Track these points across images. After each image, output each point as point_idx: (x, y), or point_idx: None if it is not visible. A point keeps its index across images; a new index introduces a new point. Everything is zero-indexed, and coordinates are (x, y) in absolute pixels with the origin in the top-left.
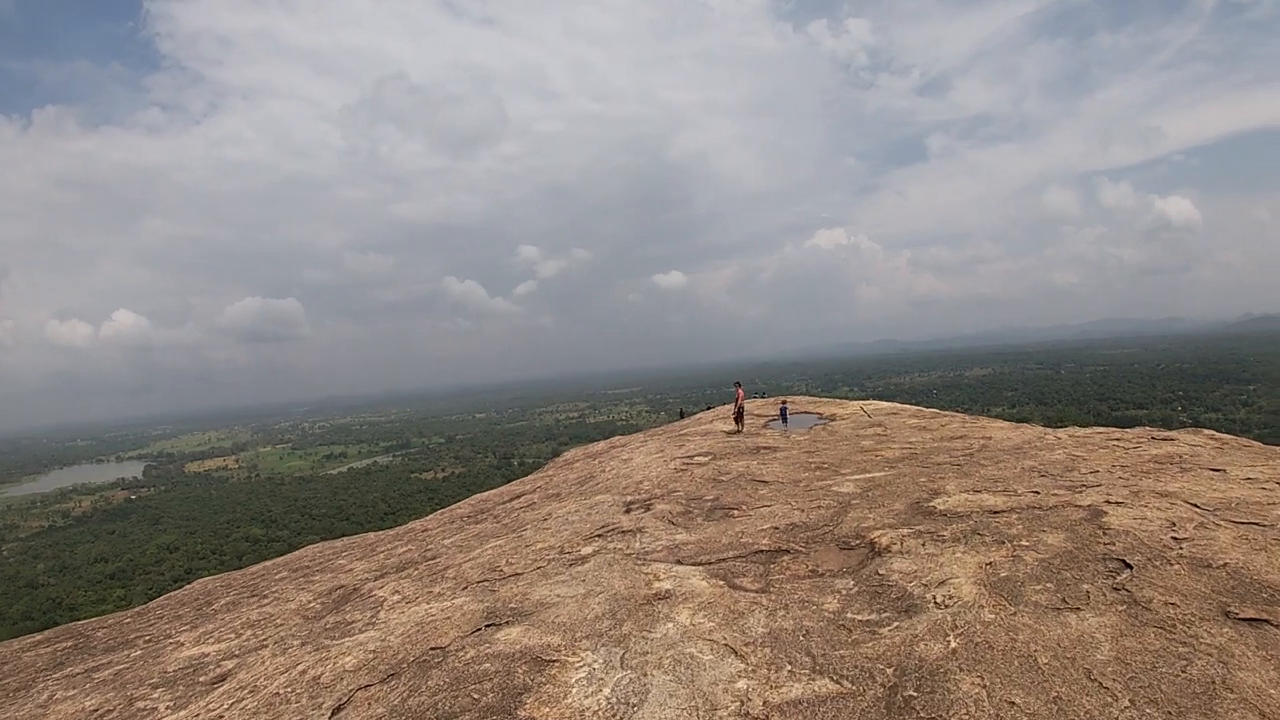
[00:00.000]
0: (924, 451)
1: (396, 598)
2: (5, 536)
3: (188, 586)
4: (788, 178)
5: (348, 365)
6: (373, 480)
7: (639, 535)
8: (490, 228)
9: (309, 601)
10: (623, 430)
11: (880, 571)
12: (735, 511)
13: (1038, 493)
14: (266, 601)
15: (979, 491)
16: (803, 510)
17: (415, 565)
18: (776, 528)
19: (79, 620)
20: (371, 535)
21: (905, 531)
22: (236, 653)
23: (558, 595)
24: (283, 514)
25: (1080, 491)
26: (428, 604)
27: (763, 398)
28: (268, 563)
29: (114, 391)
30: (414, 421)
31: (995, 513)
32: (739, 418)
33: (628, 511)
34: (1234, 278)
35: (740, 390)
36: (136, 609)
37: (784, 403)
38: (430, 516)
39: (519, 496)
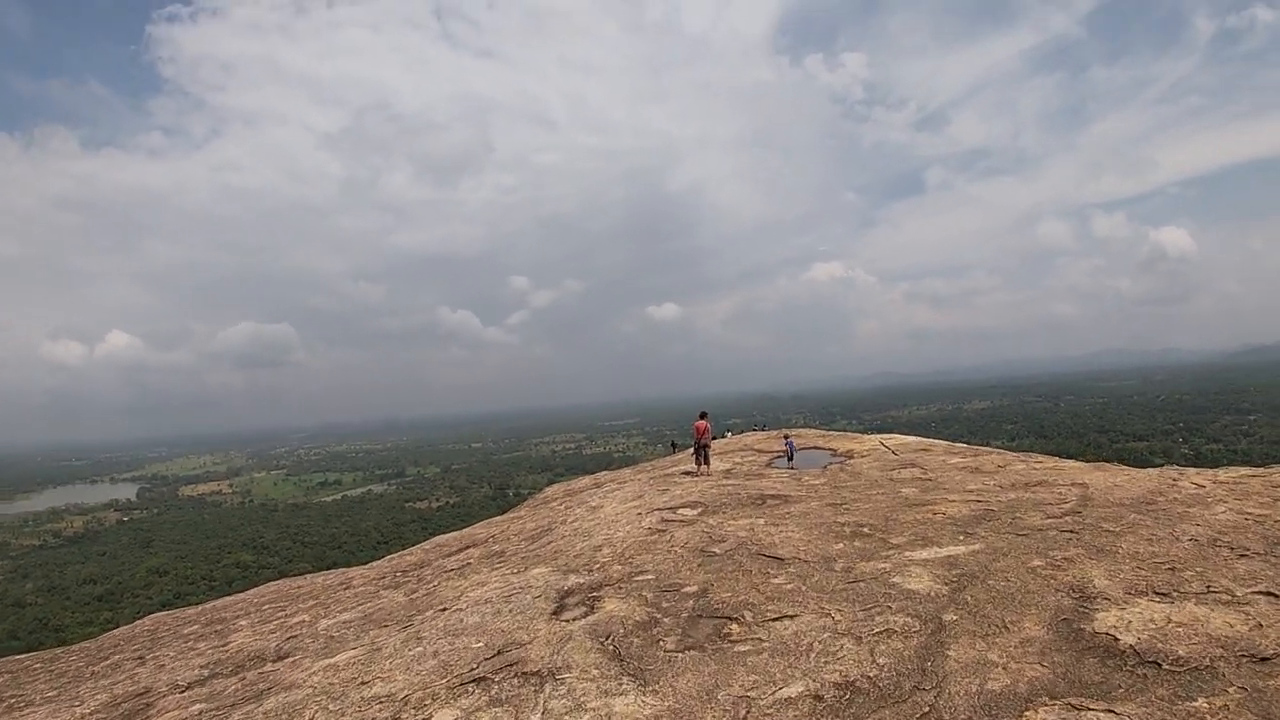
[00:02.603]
0: (1002, 508)
1: None
2: None
3: (127, 626)
4: (787, 211)
5: (345, 392)
6: (366, 509)
7: (548, 688)
8: (489, 258)
9: (92, 712)
10: (620, 462)
11: None
12: (734, 625)
13: (1276, 595)
14: (101, 685)
15: (1166, 594)
16: (858, 638)
17: (252, 668)
18: (816, 695)
19: (60, 645)
20: (311, 579)
21: None
22: None
23: None
24: (274, 540)
25: None
26: None
27: (763, 430)
28: (204, 606)
29: (109, 412)
30: (410, 450)
31: (1261, 659)
32: (700, 457)
33: (557, 612)
34: (1232, 307)
35: (704, 423)
36: (59, 650)
37: (788, 436)
38: (371, 565)
39: (466, 549)
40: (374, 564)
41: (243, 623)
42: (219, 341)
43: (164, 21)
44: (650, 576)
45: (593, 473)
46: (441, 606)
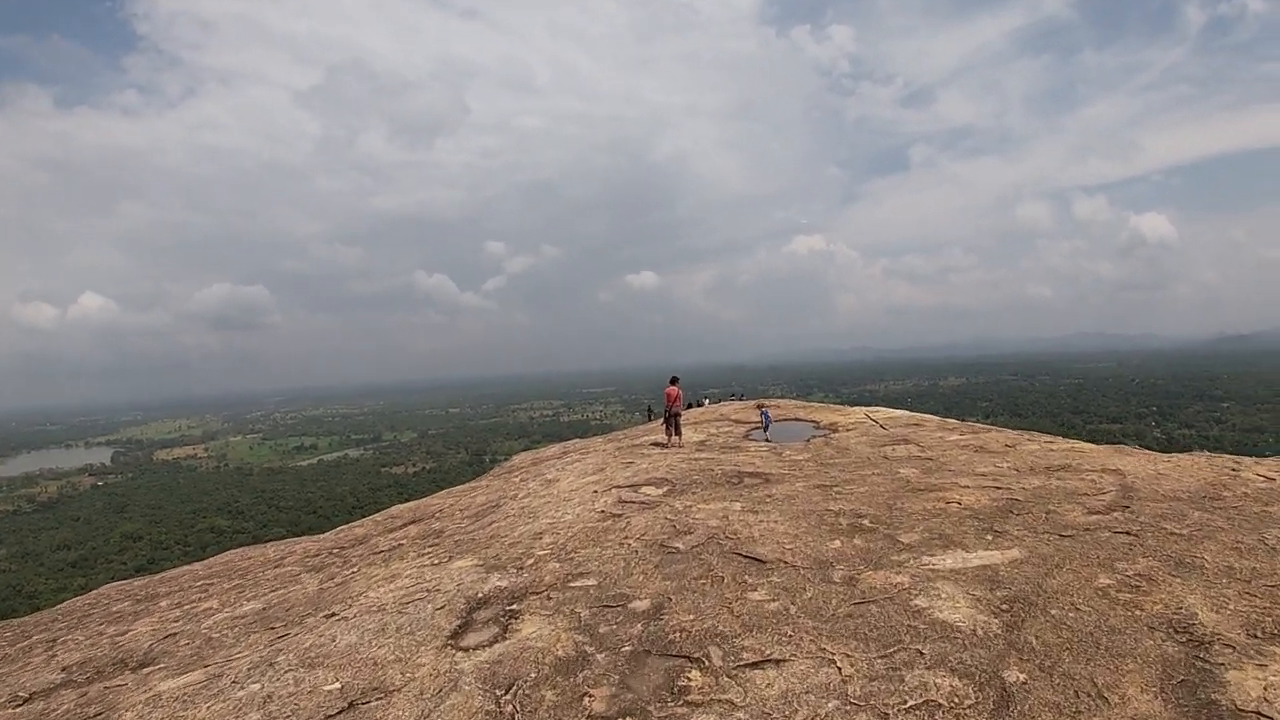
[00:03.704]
0: (1029, 497)
1: None
2: None
3: (72, 600)
4: (770, 183)
5: (322, 356)
6: (342, 473)
7: None
8: (468, 222)
9: None
10: (597, 429)
11: None
12: (694, 672)
13: None
14: None
15: None
16: (884, 716)
17: (108, 676)
18: None
19: (34, 611)
20: (261, 550)
21: None
22: None
23: None
24: (249, 505)
25: None
26: None
27: (739, 400)
28: (151, 578)
29: (85, 375)
30: (387, 415)
31: None
32: (671, 426)
33: (457, 634)
34: (1210, 296)
35: (675, 389)
36: (17, 620)
37: (763, 407)
38: (320, 537)
39: (408, 525)
40: (323, 535)
41: (163, 604)
42: (194, 303)
43: None
44: (592, 581)
45: (570, 438)
46: (329, 611)
